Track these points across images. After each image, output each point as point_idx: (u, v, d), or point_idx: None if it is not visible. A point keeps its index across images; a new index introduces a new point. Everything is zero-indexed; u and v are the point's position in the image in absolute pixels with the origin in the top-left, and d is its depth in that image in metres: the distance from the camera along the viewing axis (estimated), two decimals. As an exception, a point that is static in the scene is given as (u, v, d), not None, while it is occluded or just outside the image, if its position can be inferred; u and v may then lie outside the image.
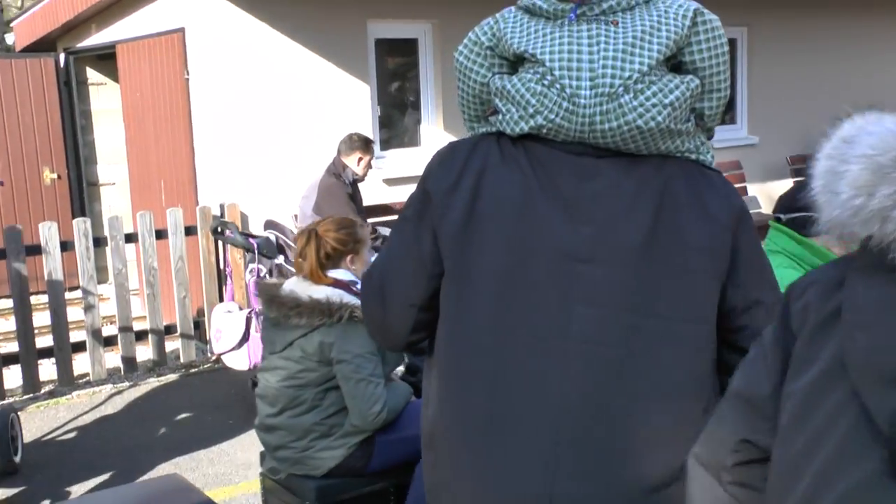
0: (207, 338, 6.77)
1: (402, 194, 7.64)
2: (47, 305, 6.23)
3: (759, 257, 1.75)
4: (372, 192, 7.01)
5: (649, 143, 1.65)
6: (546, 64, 1.64)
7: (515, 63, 1.74)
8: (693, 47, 1.70)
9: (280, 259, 5.55)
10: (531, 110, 1.66)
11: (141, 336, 6.61)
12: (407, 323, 1.84)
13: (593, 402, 1.64)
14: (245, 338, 5.29)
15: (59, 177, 9.25)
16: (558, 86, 1.63)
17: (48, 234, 6.06)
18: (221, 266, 6.83)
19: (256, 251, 5.43)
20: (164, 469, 4.89)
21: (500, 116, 1.73)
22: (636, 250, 1.64)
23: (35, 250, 6.11)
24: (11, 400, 6.09)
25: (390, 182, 7.60)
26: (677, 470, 1.58)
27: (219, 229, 5.76)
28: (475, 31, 1.81)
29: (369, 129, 7.55)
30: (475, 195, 1.70)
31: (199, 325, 6.82)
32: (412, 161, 7.72)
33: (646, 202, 1.65)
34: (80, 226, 6.24)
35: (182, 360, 6.77)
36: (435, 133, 8.13)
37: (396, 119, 8.30)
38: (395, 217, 7.48)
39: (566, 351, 1.64)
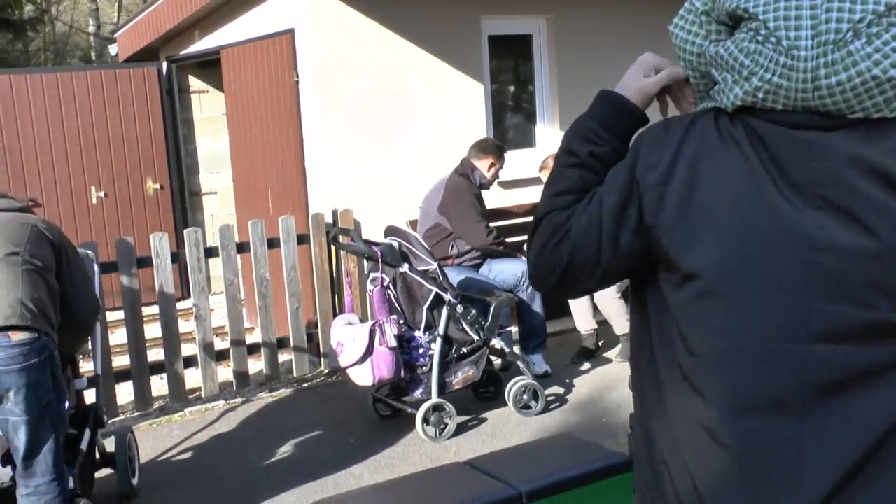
0: (321, 350, 6.49)
1: (517, 197, 7.28)
2: (156, 318, 6.01)
3: None
4: (486, 196, 6.64)
5: (892, 101, 1.36)
6: (759, 17, 1.40)
7: (734, 27, 1.49)
8: None
9: (404, 267, 5.19)
10: (745, 73, 1.43)
11: (251, 349, 6.35)
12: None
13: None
14: (369, 351, 4.96)
15: (161, 187, 9.12)
16: (773, 39, 1.39)
17: (159, 244, 5.84)
18: (334, 275, 6.53)
19: (380, 259, 5.09)
20: (288, 496, 4.58)
21: (718, 87, 1.49)
22: (879, 235, 1.36)
23: (145, 262, 5.90)
24: (122, 417, 5.88)
25: (505, 185, 7.21)
26: None
27: (338, 237, 5.45)
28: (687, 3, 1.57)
29: (483, 129, 7.20)
30: (692, 185, 1.46)
31: (311, 338, 6.53)
32: (527, 162, 7.32)
33: (890, 176, 1.35)
34: (192, 236, 6.00)
35: (295, 374, 6.48)
36: (550, 133, 7.73)
37: (510, 119, 7.94)
38: (512, 221, 7.15)
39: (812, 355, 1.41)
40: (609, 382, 6.05)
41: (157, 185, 9.09)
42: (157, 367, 6.09)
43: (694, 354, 1.48)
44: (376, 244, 5.21)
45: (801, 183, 1.39)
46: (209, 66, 8.74)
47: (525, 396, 5.49)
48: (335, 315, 6.34)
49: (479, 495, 2.75)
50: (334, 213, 6.46)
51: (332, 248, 6.38)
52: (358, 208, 6.53)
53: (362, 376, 5.02)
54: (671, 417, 1.54)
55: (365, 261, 5.74)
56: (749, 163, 1.42)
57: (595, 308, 6.45)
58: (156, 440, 5.44)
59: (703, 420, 1.47)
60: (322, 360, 6.51)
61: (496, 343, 5.49)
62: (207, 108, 9.39)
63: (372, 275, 5.22)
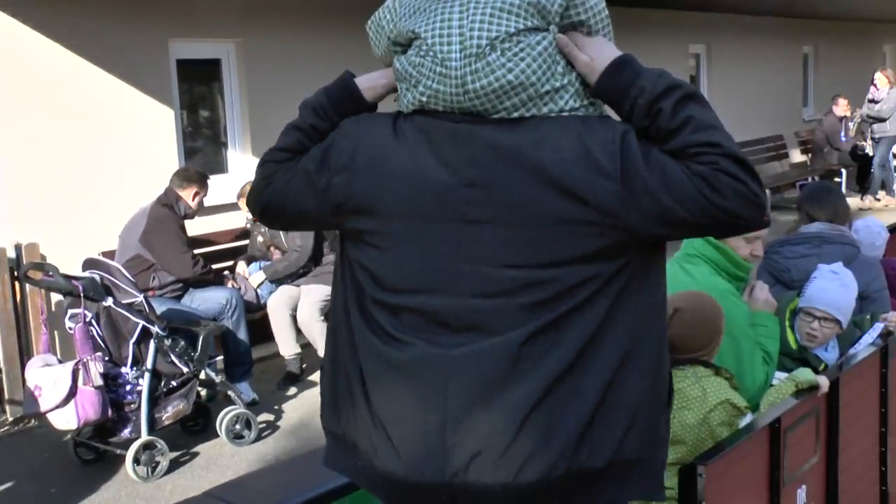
0: (6, 397, 5.96)
1: (213, 224, 7.14)
2: None
3: (653, 165, 1.69)
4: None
5: (527, 103, 1.73)
6: (422, 36, 1.76)
7: (408, 47, 1.83)
8: (573, 18, 1.78)
9: (108, 301, 4.94)
10: (413, 81, 1.79)
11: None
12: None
13: None
14: (73, 392, 4.66)
15: None
16: (432, 53, 1.75)
17: None
18: (19, 314, 6.04)
19: (82, 294, 4.80)
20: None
21: (398, 94, 1.87)
22: (517, 208, 1.70)
23: None
24: None
25: (200, 212, 7.06)
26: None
27: (29, 273, 5.07)
28: (377, 15, 1.90)
29: (175, 156, 7.02)
30: (371, 170, 1.80)
31: (-7, 384, 5.98)
32: (221, 189, 7.22)
33: (524, 160, 1.70)
34: None
35: (-26, 425, 5.90)
36: (243, 159, 7.68)
37: (202, 145, 7.78)
38: (214, 248, 7.00)
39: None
40: (318, 405, 6.09)
41: None
42: None
43: (370, 300, 1.83)
44: (76, 278, 4.91)
45: (452, 164, 1.74)
46: None
47: (238, 426, 5.42)
48: (21, 357, 5.87)
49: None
50: (17, 248, 5.98)
51: (17, 285, 5.90)
52: (45, 241, 6.09)
53: (66, 419, 4.71)
54: (359, 350, 1.85)
55: (63, 297, 5.38)
56: (412, 151, 1.77)
57: (298, 331, 6.48)
58: None
59: (382, 351, 1.80)
60: (8, 407, 5.98)
61: (206, 374, 5.37)
62: None
63: (71, 311, 4.91)
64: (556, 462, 1.68)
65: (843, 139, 13.51)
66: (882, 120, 13.04)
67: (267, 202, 1.95)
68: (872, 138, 13.35)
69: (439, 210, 1.74)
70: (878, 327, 3.59)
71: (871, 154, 13.38)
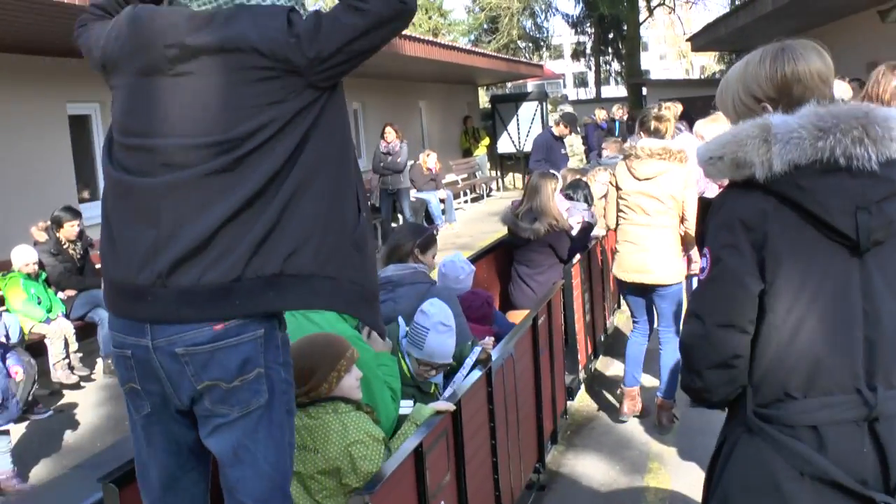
0: None
1: None
2: None
3: (313, 14, 2.22)
4: None
5: (229, 3, 2.22)
6: None
7: None
8: None
9: None
10: None
11: None
12: None
13: None
14: None
15: None
16: None
17: None
18: None
19: None
20: None
21: None
22: (209, 63, 2.16)
23: None
24: None
25: None
26: None
27: None
28: None
29: None
30: (111, 40, 2.33)
31: None
32: None
33: (213, 29, 2.16)
34: None
35: None
36: None
37: None
38: None
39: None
40: None
41: None
42: None
43: (117, 146, 2.31)
44: None
45: (158, 30, 2.21)
46: None
47: None
48: None
49: None
50: None
51: None
52: None
53: None
54: (107, 193, 2.34)
55: None
56: (131, 22, 2.28)
57: None
58: None
59: (120, 184, 2.26)
60: None
61: None
62: None
63: None
64: (231, 267, 2.13)
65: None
66: (399, 171, 13.89)
67: (82, 43, 2.46)
68: (387, 190, 14.06)
69: (150, 66, 2.20)
70: (477, 351, 4.02)
71: (378, 205, 14.22)
